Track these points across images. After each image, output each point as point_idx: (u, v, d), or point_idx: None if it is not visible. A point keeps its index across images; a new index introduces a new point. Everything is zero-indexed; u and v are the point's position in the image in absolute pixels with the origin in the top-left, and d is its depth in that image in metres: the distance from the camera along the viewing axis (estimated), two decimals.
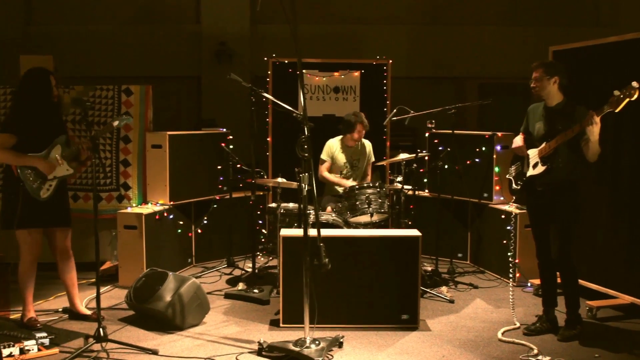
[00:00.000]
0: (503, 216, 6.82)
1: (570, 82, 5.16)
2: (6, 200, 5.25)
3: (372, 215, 6.38)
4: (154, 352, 4.80)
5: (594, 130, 4.75)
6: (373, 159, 7.44)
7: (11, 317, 5.61)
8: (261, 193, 8.03)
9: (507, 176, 5.58)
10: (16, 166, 5.10)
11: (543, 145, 5.09)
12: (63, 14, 10.49)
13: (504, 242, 6.62)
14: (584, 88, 5.95)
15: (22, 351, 4.67)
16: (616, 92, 4.57)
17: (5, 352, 4.57)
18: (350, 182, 7.07)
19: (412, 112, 6.84)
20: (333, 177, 7.22)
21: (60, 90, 5.42)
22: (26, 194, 5.10)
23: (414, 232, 5.51)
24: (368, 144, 7.39)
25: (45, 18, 10.48)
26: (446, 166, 7.20)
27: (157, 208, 6.84)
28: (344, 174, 7.26)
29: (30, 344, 4.73)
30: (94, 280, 5.54)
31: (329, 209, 6.86)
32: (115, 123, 5.29)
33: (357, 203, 6.43)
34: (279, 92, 8.04)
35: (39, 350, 4.75)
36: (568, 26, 10.37)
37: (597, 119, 4.72)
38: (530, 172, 5.20)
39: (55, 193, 5.23)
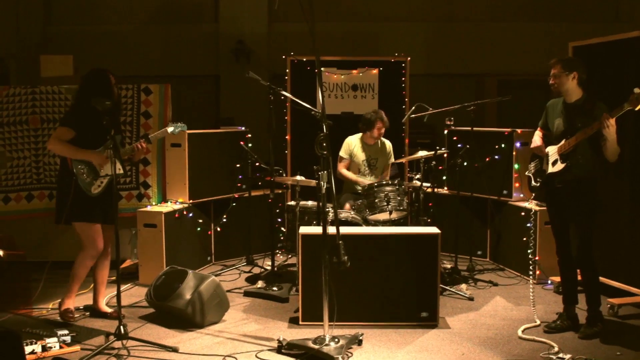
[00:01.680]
0: (523, 213, 6.78)
1: (590, 78, 5.12)
2: (60, 195, 5.36)
3: (391, 213, 6.38)
4: (174, 350, 4.82)
5: (610, 131, 4.72)
6: (393, 159, 7.42)
7: (33, 314, 5.68)
8: (280, 191, 8.04)
9: (526, 173, 5.55)
10: (71, 160, 5.20)
11: (562, 142, 5.05)
12: (82, 14, 10.59)
13: (524, 239, 6.58)
14: (604, 84, 5.89)
15: (44, 348, 4.71)
16: (636, 90, 4.52)
17: (28, 349, 4.62)
18: (367, 180, 7.05)
19: (430, 109, 6.82)
20: (351, 175, 7.22)
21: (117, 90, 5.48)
22: (78, 188, 5.21)
23: (433, 230, 5.50)
24: (388, 144, 7.37)
25: (64, 19, 10.58)
26: (465, 163, 7.17)
27: (177, 206, 6.87)
28: (361, 172, 7.25)
29: (52, 342, 4.77)
30: (114, 278, 5.57)
31: (347, 206, 6.86)
32: (170, 129, 5.37)
33: (376, 201, 6.43)
34: (297, 90, 8.04)
35: (60, 347, 4.80)
36: (587, 22, 10.30)
37: (612, 121, 4.68)
38: (550, 169, 5.17)
39: (105, 191, 5.32)
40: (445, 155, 7.55)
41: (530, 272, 6.20)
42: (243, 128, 7.79)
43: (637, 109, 4.56)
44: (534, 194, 5.55)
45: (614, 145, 4.80)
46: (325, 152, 4.56)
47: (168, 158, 7.03)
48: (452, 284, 6.46)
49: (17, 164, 7.14)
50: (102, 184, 5.31)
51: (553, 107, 5.29)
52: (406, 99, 8.43)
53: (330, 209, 5.31)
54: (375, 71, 8.47)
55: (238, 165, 7.52)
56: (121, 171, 5.34)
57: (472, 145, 6.99)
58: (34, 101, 7.12)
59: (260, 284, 6.44)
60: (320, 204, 4.79)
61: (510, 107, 9.93)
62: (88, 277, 5.54)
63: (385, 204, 6.38)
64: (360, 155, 7.23)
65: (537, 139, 5.37)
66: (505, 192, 7.19)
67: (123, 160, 5.34)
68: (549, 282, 6.53)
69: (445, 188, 7.93)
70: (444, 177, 7.90)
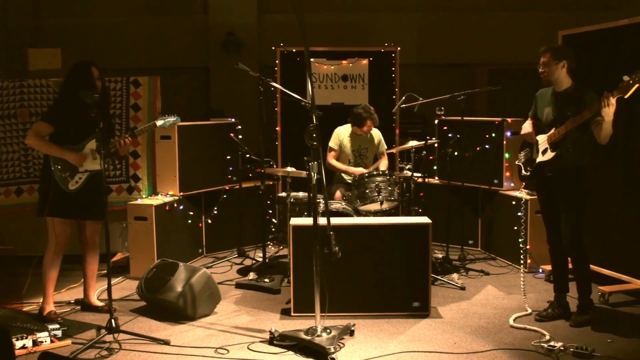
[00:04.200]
0: (513, 202, 6.80)
1: (580, 67, 5.11)
2: (41, 188, 5.33)
3: (382, 203, 6.37)
4: (166, 343, 4.82)
5: (609, 111, 4.69)
6: (385, 147, 7.41)
7: (24, 309, 5.65)
8: (271, 182, 8.03)
9: (516, 162, 5.55)
10: (50, 155, 5.17)
11: (552, 131, 5.05)
12: (71, 6, 10.50)
13: (515, 228, 6.60)
14: (594, 72, 5.90)
15: (35, 343, 4.69)
16: (625, 78, 4.52)
17: (19, 344, 4.61)
18: (357, 170, 7.03)
19: (421, 99, 6.82)
20: (340, 165, 7.21)
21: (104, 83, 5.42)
22: (57, 183, 5.16)
23: (424, 220, 5.50)
24: (377, 133, 7.34)
25: (53, 11, 10.49)
26: (456, 153, 7.17)
27: (167, 199, 6.85)
28: (351, 163, 7.24)
29: (43, 336, 4.76)
30: (105, 271, 5.55)
31: (338, 196, 6.85)
32: (159, 123, 5.31)
33: (367, 191, 6.42)
34: (287, 81, 8.02)
35: (51, 342, 4.78)
36: (577, 10, 10.28)
37: (613, 100, 4.66)
38: (540, 158, 5.17)
39: (85, 186, 5.27)
40: (436, 145, 7.54)
41: (522, 261, 6.22)
42: (233, 120, 7.77)
43: (626, 96, 4.57)
44: (524, 183, 5.54)
45: (610, 127, 4.77)
46: (315, 143, 4.56)
47: (158, 150, 7.00)
48: (443, 274, 6.46)
49: (5, 158, 7.10)
50: (81, 180, 5.24)
51: (542, 96, 5.29)
52: (396, 89, 8.42)
53: (321, 199, 5.30)
54: (365, 61, 8.46)
55: (228, 157, 7.50)
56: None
57: (462, 134, 7.00)
58: (22, 95, 7.07)
59: (251, 275, 6.43)
60: (311, 194, 4.78)
61: (500, 97, 9.94)
62: (78, 270, 5.51)
63: (376, 194, 6.37)
64: (350, 146, 7.21)
65: (527, 125, 5.34)
66: (496, 181, 7.20)
67: (106, 155, 5.27)
68: (540, 270, 6.55)
69: (436, 178, 7.93)
70: (435, 167, 7.90)
